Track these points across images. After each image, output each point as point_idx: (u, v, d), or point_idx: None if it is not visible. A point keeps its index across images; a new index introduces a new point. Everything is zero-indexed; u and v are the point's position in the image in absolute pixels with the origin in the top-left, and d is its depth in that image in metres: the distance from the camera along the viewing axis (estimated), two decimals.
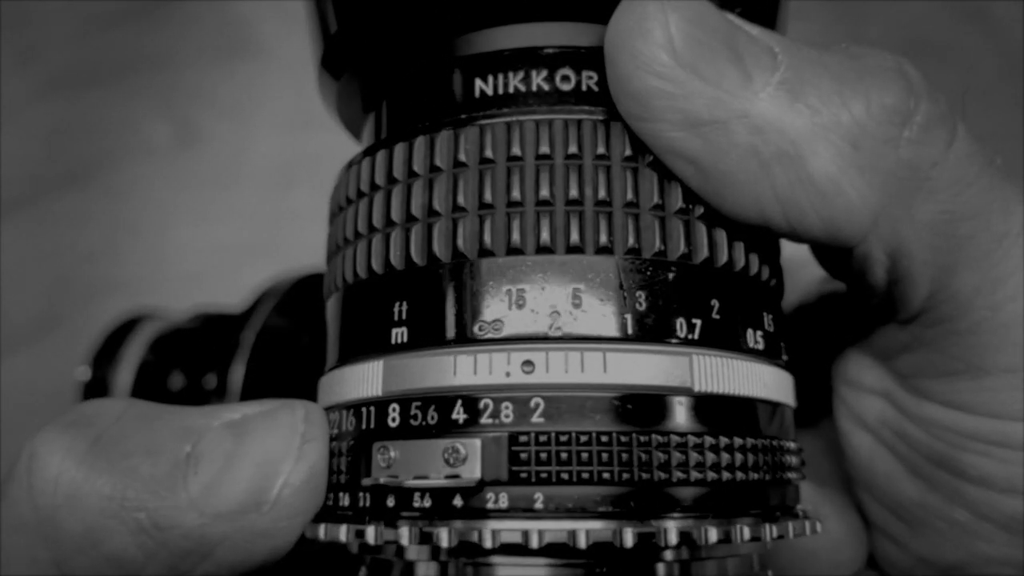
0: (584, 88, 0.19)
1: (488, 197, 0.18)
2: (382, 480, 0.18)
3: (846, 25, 0.69)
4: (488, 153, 0.18)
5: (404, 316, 0.19)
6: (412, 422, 0.18)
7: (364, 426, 0.19)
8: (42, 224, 0.66)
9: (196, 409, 0.21)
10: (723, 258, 0.19)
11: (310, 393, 0.24)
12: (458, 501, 0.17)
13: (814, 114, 0.18)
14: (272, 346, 0.52)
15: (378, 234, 0.20)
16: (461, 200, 0.18)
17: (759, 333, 0.19)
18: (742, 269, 0.19)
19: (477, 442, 0.17)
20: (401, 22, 0.20)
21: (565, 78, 0.20)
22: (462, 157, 0.19)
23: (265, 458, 0.19)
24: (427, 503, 0.17)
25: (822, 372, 0.27)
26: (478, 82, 0.20)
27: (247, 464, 0.19)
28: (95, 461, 0.19)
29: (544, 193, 0.18)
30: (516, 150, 0.18)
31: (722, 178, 0.18)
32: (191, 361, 0.47)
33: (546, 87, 0.19)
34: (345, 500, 0.19)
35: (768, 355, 0.20)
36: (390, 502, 0.18)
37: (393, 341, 0.19)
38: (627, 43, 0.18)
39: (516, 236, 0.18)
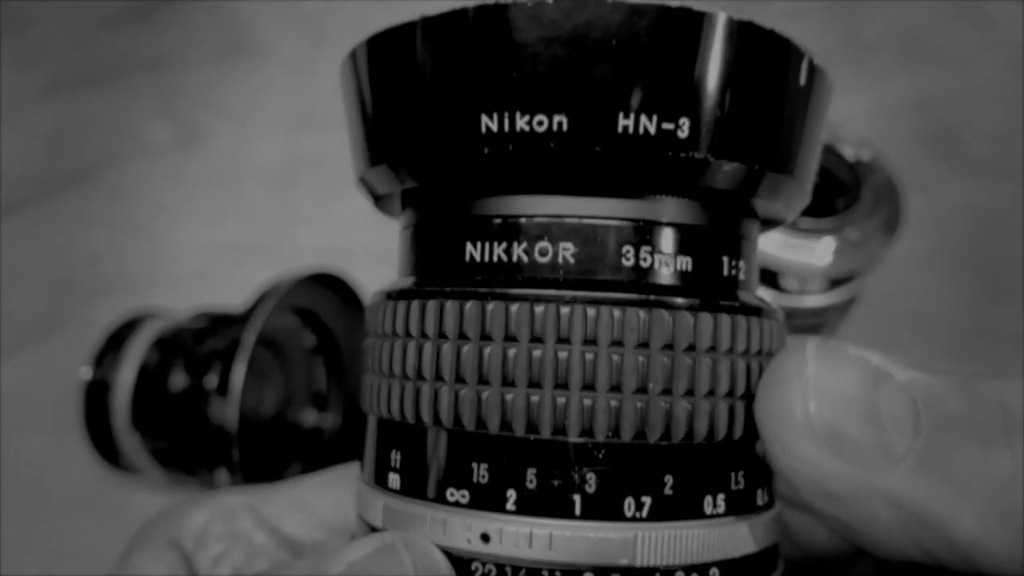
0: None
1: (463, 372, 0.20)
2: None
3: (845, 25, 0.69)
4: (468, 330, 0.20)
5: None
6: None
7: None
8: (43, 224, 0.66)
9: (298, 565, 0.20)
10: (680, 433, 0.19)
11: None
12: None
13: (957, 483, 0.18)
14: (274, 346, 0.53)
15: (396, 381, 0.21)
16: (442, 370, 0.20)
17: (721, 496, 0.20)
18: (705, 438, 0.20)
19: None
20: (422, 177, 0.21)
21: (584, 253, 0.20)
22: (446, 331, 0.20)
23: None
24: None
25: None
26: (487, 247, 0.21)
27: None
28: None
29: (509, 375, 0.19)
30: (488, 330, 0.20)
31: (867, 537, 0.20)
32: (193, 361, 0.48)
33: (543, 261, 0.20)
34: None
35: (735, 512, 0.20)
36: None
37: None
38: (772, 430, 0.19)
39: (483, 412, 0.19)
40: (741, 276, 0.21)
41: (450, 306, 0.20)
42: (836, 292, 0.49)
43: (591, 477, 0.19)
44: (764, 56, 0.19)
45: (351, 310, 0.52)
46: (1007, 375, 0.20)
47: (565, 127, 0.18)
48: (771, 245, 0.45)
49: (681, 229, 0.20)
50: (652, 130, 0.18)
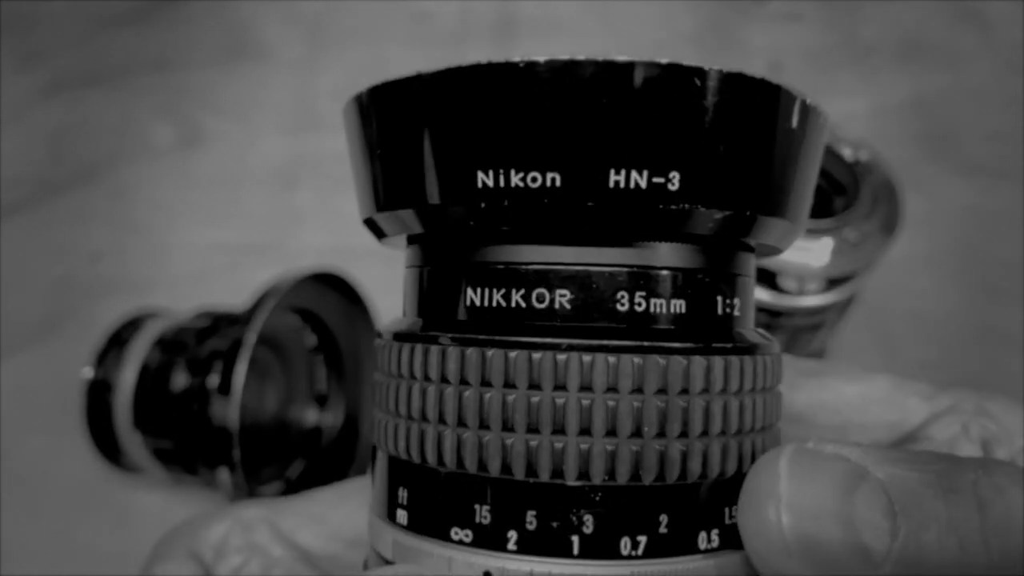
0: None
1: (465, 416, 0.20)
2: None
3: (844, 26, 0.69)
4: (469, 376, 0.20)
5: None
6: None
7: None
8: (45, 224, 0.66)
9: None
10: (674, 474, 0.20)
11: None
12: None
13: None
14: (275, 345, 0.53)
15: (405, 421, 0.21)
16: (445, 414, 0.20)
17: (715, 531, 0.20)
18: (699, 477, 0.20)
19: None
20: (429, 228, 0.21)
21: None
22: (448, 376, 0.20)
23: None
24: None
25: None
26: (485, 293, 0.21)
27: None
28: None
29: (509, 420, 0.20)
30: (488, 376, 0.20)
31: None
32: (194, 360, 0.48)
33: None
34: None
35: (729, 545, 0.21)
36: None
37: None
38: (751, 546, 0.20)
39: (484, 456, 0.20)
40: (736, 313, 0.21)
41: (452, 352, 0.20)
42: (834, 292, 0.49)
43: (588, 518, 0.19)
44: (754, 105, 0.19)
45: (352, 310, 0.52)
46: (990, 462, 0.20)
47: (558, 183, 0.19)
48: None
49: (674, 273, 0.20)
50: (643, 184, 0.19)
